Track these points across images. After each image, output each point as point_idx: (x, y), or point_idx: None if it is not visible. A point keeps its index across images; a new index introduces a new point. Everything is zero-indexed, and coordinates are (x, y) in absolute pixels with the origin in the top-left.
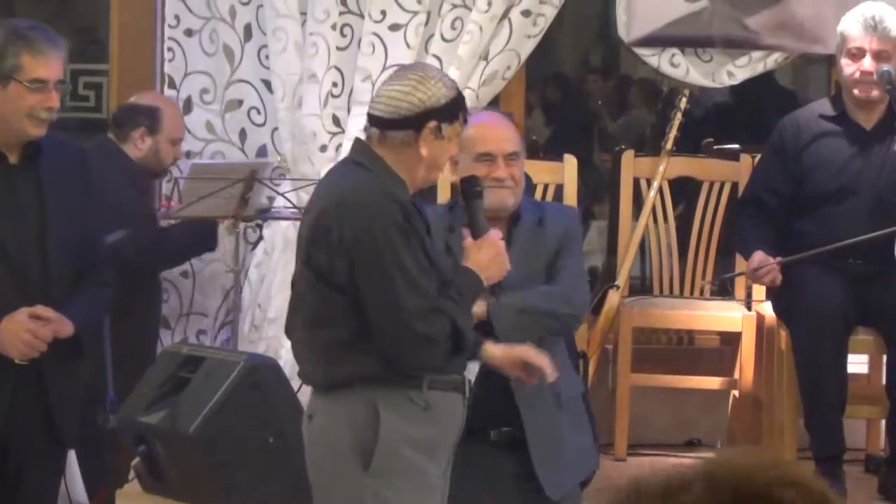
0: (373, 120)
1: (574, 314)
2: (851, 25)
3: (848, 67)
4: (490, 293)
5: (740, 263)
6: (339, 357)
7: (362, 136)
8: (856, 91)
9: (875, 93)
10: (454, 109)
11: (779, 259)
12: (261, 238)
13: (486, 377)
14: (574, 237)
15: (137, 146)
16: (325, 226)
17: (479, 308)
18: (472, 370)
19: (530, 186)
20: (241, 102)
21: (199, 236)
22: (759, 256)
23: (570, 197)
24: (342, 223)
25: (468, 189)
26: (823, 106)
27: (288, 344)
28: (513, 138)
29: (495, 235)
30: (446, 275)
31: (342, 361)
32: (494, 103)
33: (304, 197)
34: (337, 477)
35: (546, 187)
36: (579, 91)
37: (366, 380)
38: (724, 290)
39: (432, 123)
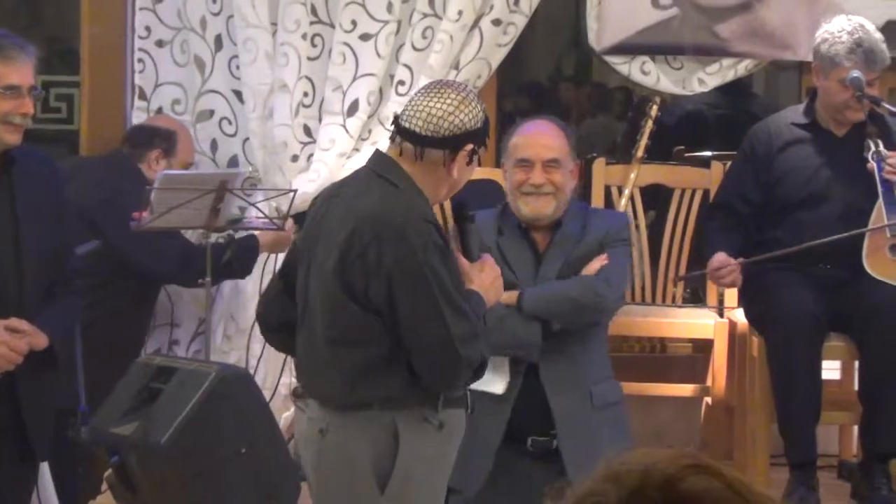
0: (408, 134)
1: (603, 303)
2: (844, 55)
3: (841, 94)
4: None
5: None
6: (366, 378)
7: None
8: (847, 114)
9: (861, 114)
10: (486, 133)
11: (740, 259)
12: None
13: (525, 387)
14: (617, 239)
15: (152, 167)
16: (361, 246)
17: (509, 297)
18: (499, 384)
19: (500, 193)
20: (212, 113)
21: (241, 260)
22: (720, 257)
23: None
24: (381, 245)
25: (459, 214)
26: (795, 113)
27: (258, 354)
28: (555, 146)
29: (491, 260)
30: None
31: (368, 382)
32: None
33: (276, 207)
34: (350, 495)
35: None
36: (552, 99)
37: (388, 401)
38: (696, 297)
39: (469, 146)
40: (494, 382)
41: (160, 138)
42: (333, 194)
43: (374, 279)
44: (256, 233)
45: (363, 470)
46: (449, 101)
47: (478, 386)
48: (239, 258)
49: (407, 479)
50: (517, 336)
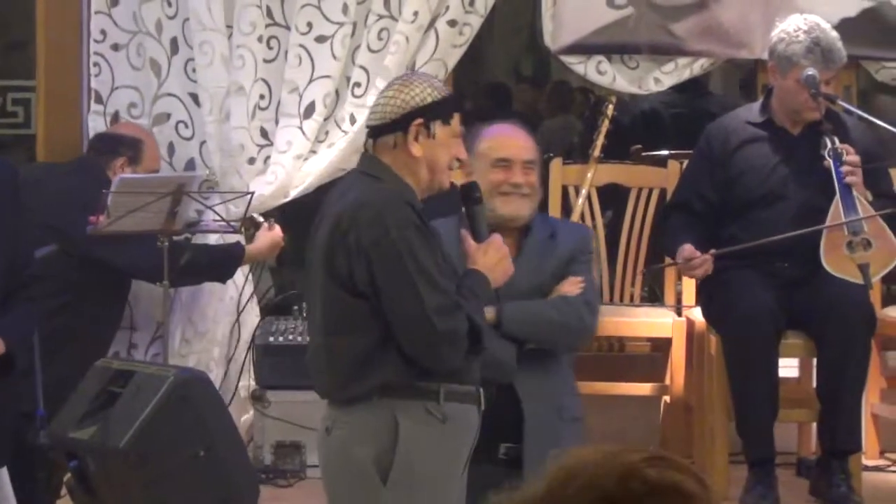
0: (368, 131)
1: (585, 330)
2: (802, 54)
3: (799, 94)
4: (495, 299)
5: (670, 271)
6: (360, 367)
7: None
8: (804, 114)
9: (818, 113)
10: (444, 108)
11: (712, 251)
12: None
13: (498, 393)
14: (586, 254)
15: (117, 174)
16: (342, 231)
17: (488, 314)
18: None
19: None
20: (168, 116)
21: (219, 263)
22: (688, 248)
23: None
24: (359, 227)
25: (468, 195)
26: (750, 111)
27: (218, 357)
28: (530, 147)
29: (498, 239)
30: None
31: (363, 371)
32: None
33: (233, 209)
34: (355, 490)
35: None
36: (510, 100)
37: (385, 391)
38: (654, 296)
39: (418, 121)
40: None
41: (125, 146)
42: (328, 201)
43: (356, 262)
44: (243, 241)
45: (363, 462)
46: (393, 88)
47: None
48: (221, 264)
49: (409, 472)
50: (493, 356)
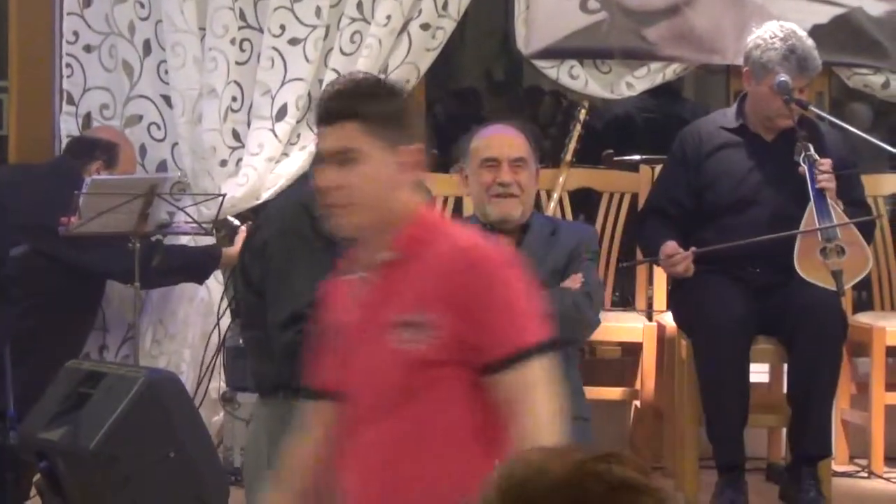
0: None
1: (585, 321)
2: (777, 62)
3: (773, 101)
4: None
5: (641, 273)
6: (266, 364)
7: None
8: (777, 121)
9: (791, 121)
10: None
11: (693, 249)
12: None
13: None
14: (589, 251)
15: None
16: (255, 229)
17: None
18: None
19: (430, 198)
20: (140, 118)
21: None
22: (671, 244)
23: (470, 210)
24: (262, 228)
25: None
26: (724, 117)
27: (188, 359)
28: (520, 145)
29: None
30: None
31: (266, 368)
32: None
33: (205, 212)
34: (256, 482)
35: (445, 200)
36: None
37: (290, 390)
38: (625, 300)
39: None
40: None
41: (101, 150)
42: None
43: (257, 262)
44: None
45: (262, 456)
46: None
47: None
48: (196, 265)
49: None
50: None
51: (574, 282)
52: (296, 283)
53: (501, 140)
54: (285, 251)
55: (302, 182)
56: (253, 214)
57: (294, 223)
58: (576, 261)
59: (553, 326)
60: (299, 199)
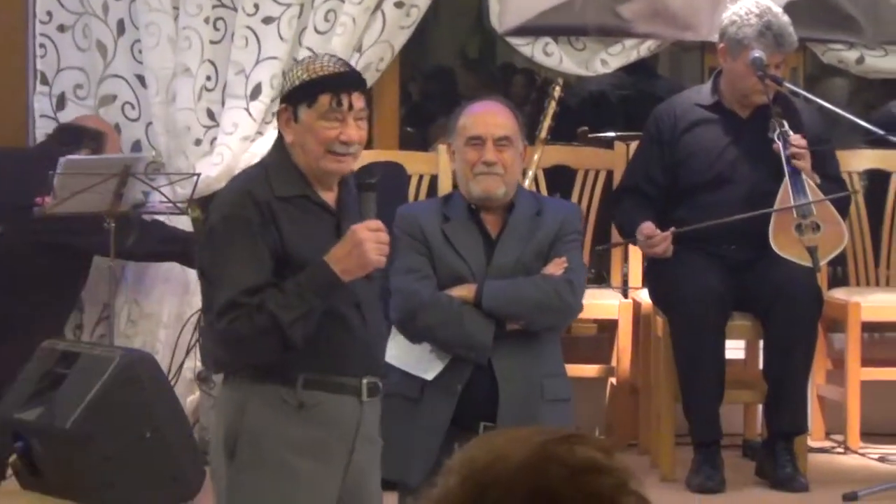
0: None
1: (568, 309)
2: (754, 37)
3: (749, 77)
4: (366, 278)
5: (617, 250)
6: (218, 346)
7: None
8: (752, 97)
9: (765, 97)
10: (308, 91)
11: (673, 229)
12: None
13: (477, 374)
14: (573, 232)
15: None
16: (203, 219)
17: (468, 291)
18: (434, 368)
19: (405, 177)
20: (114, 97)
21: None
22: (648, 226)
23: (445, 188)
24: (210, 215)
25: (360, 180)
26: (699, 94)
27: (164, 338)
28: (506, 124)
29: (357, 228)
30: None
31: (219, 353)
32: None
33: (179, 191)
34: (214, 466)
35: (421, 178)
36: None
37: (241, 372)
38: (600, 277)
39: (282, 108)
40: (426, 368)
41: (89, 138)
42: None
43: (206, 249)
44: None
45: (218, 440)
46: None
47: (408, 369)
48: (175, 247)
49: (253, 451)
50: (470, 336)
51: (557, 266)
52: (234, 270)
53: (487, 118)
54: (227, 237)
55: (254, 167)
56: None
57: (237, 209)
58: (559, 242)
59: (535, 314)
60: (245, 185)
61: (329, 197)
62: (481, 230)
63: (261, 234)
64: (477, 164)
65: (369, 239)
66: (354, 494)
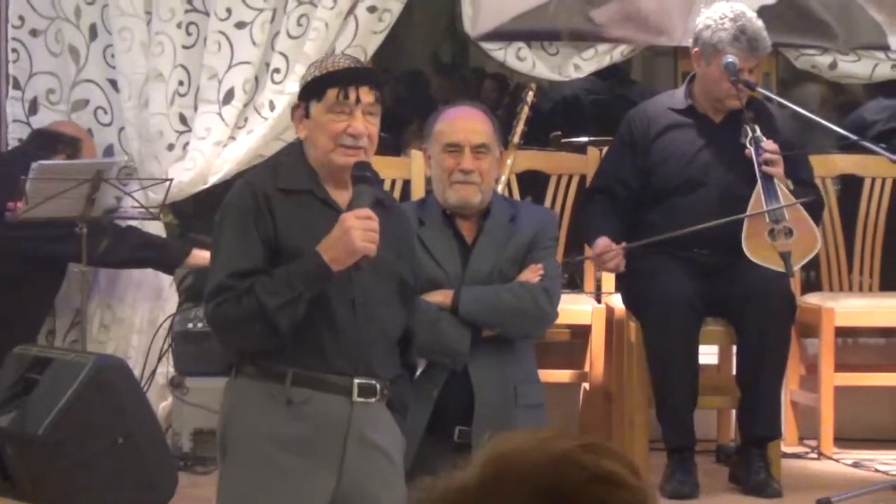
0: None
1: (544, 317)
2: (728, 42)
3: (723, 81)
4: (355, 267)
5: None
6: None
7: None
8: (726, 102)
9: (738, 101)
10: (317, 86)
11: (623, 244)
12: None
13: (453, 378)
14: (548, 238)
15: None
16: None
17: (444, 297)
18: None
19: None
20: (87, 102)
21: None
22: (602, 241)
23: (418, 192)
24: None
25: (356, 173)
26: (672, 98)
27: (137, 344)
28: (483, 131)
29: (353, 214)
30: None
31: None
32: None
33: (152, 196)
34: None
35: (393, 183)
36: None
37: (239, 369)
38: (573, 282)
39: (296, 105)
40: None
41: (64, 144)
42: None
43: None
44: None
45: (216, 436)
46: None
47: None
48: (149, 253)
49: (241, 447)
50: (447, 342)
51: (533, 273)
52: (225, 255)
53: (465, 125)
54: (223, 226)
55: (269, 161)
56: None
57: (235, 199)
58: (535, 249)
59: (511, 322)
60: (249, 177)
61: (342, 195)
62: (456, 236)
63: (255, 223)
64: (454, 172)
65: (357, 226)
66: (352, 499)
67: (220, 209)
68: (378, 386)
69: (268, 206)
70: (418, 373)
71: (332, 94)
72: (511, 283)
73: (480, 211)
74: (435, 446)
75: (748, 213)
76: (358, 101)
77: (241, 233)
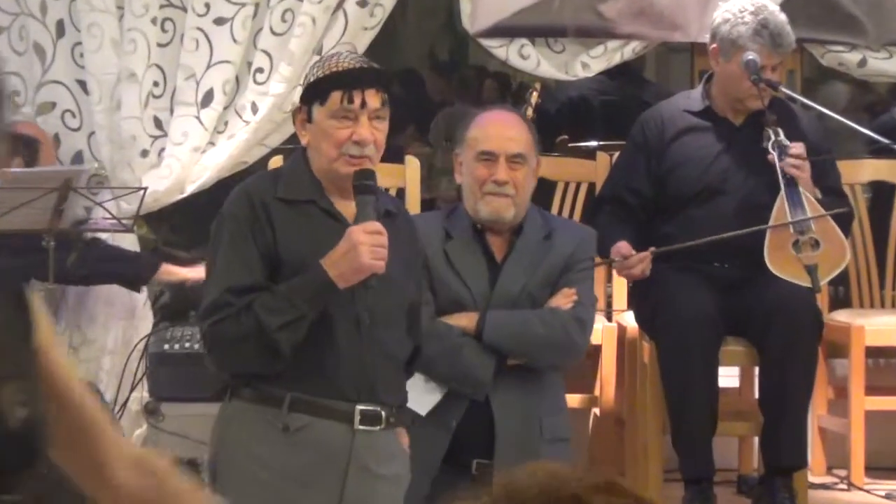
0: None
1: (575, 349)
2: (748, 37)
3: (744, 80)
4: (363, 286)
5: (598, 271)
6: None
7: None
8: (747, 102)
9: (760, 102)
10: (320, 89)
11: (652, 249)
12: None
13: (473, 409)
14: (585, 260)
15: None
16: None
17: (468, 321)
18: (429, 402)
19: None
20: (54, 105)
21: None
22: (625, 245)
23: (414, 201)
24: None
25: (357, 182)
26: (688, 99)
27: (109, 367)
28: (521, 139)
29: (361, 228)
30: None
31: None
32: None
33: (125, 206)
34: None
35: (387, 191)
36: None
37: (234, 392)
38: None
39: (298, 107)
40: (420, 401)
41: (22, 145)
42: None
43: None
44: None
45: (194, 464)
46: None
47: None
48: (116, 267)
49: (233, 475)
50: (469, 370)
51: (566, 298)
52: (221, 269)
53: (501, 132)
54: (218, 237)
55: (273, 168)
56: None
57: (231, 208)
58: (570, 271)
59: (539, 352)
60: (246, 185)
61: (348, 206)
62: (486, 252)
63: (253, 235)
64: (487, 183)
65: (365, 241)
66: None
67: (215, 219)
68: (383, 413)
69: (266, 217)
70: (436, 402)
71: (335, 97)
72: (541, 310)
73: (513, 226)
74: (452, 480)
75: (771, 223)
76: (363, 105)
77: (238, 245)
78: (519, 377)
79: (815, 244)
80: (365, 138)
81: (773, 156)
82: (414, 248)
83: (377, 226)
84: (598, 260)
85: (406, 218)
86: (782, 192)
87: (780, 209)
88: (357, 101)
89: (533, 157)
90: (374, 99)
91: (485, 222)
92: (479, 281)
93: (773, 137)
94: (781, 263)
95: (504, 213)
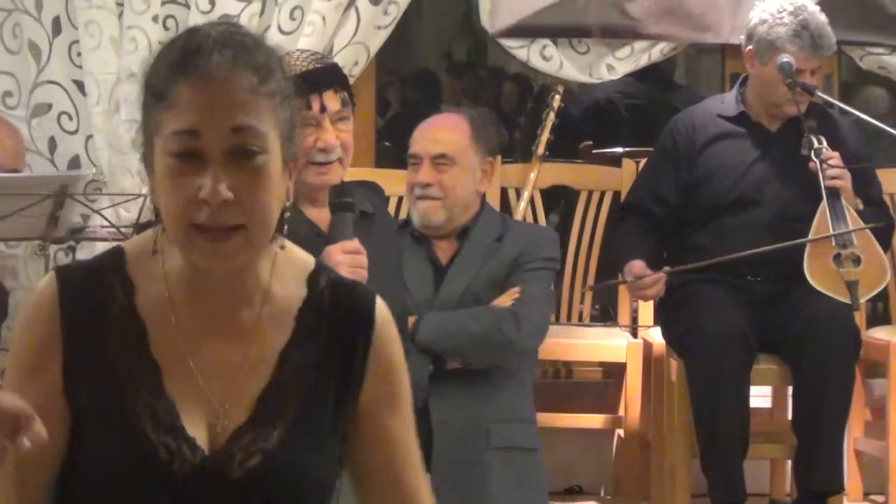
0: None
1: (507, 344)
2: (787, 39)
3: (782, 85)
4: None
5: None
6: None
7: None
8: (784, 108)
9: (796, 107)
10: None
11: (666, 269)
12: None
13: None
14: (536, 259)
15: None
16: None
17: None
18: None
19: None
20: (49, 107)
21: None
22: (638, 264)
23: None
24: None
25: (333, 199)
26: (721, 104)
27: None
28: (446, 139)
29: (340, 248)
30: None
31: None
32: None
33: (124, 214)
34: None
35: (400, 200)
36: (441, 89)
37: None
38: (606, 314)
39: None
40: None
41: None
42: None
43: None
44: None
45: None
46: None
47: None
48: None
49: None
50: None
51: (509, 297)
52: None
53: (426, 134)
54: None
55: None
56: None
57: None
58: (518, 271)
59: (472, 349)
60: None
61: (320, 214)
62: (430, 258)
63: None
64: (415, 187)
65: (342, 262)
66: None
67: None
68: None
69: None
70: None
71: (309, 99)
72: (476, 308)
73: (457, 230)
74: None
75: (811, 235)
76: (323, 109)
77: None
78: (462, 382)
79: (857, 260)
80: (330, 144)
81: (816, 164)
82: (394, 248)
83: (356, 245)
84: (619, 279)
85: (384, 218)
86: (824, 202)
87: (822, 220)
88: (316, 106)
89: (471, 156)
90: (333, 101)
91: (420, 228)
92: (424, 287)
93: (815, 144)
94: (820, 275)
95: (432, 217)
